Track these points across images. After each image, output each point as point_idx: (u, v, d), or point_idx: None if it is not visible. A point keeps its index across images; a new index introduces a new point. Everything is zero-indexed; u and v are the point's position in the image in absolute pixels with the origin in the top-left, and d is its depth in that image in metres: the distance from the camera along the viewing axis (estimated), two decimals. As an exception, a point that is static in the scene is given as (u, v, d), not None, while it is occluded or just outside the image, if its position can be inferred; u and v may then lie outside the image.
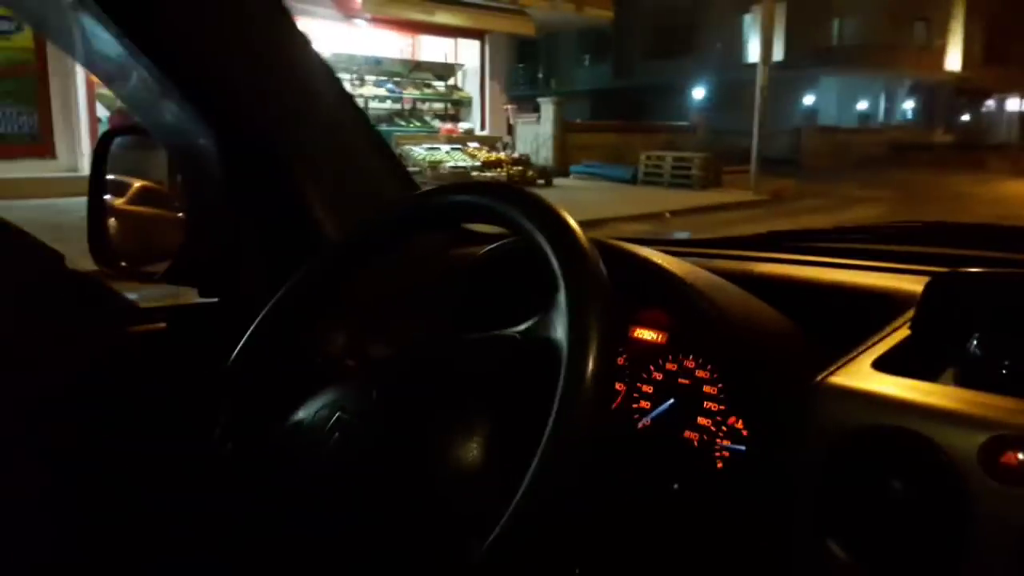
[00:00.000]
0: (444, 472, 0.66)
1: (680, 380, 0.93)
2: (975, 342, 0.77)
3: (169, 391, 1.05)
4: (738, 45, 33.11)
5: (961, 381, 0.75)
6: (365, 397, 0.74)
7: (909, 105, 33.67)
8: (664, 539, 0.88)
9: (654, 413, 0.94)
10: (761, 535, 0.77)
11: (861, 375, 0.74)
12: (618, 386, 0.97)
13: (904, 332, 0.84)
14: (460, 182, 0.84)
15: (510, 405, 0.69)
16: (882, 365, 0.76)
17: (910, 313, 0.85)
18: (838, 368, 0.76)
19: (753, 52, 24.14)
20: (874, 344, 0.81)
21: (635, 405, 0.96)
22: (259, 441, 0.77)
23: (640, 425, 0.95)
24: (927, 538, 0.66)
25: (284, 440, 0.76)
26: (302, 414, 0.76)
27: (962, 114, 41.57)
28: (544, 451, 0.58)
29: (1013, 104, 45.36)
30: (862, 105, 31.03)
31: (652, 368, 0.96)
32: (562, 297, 0.63)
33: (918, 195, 16.22)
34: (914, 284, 0.89)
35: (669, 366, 0.95)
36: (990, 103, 43.28)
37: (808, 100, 31.15)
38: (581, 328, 0.61)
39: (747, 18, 33.28)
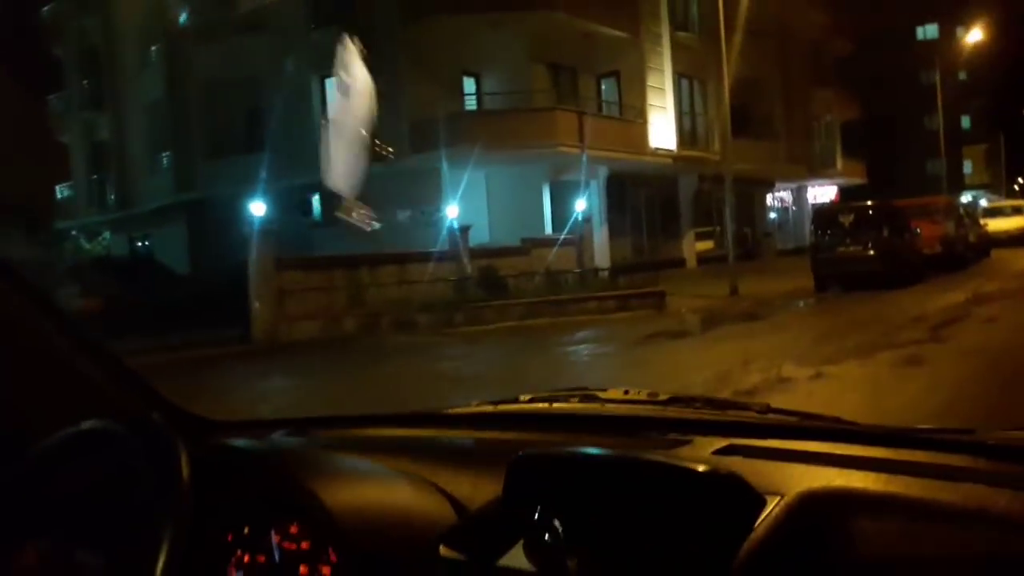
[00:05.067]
0: None
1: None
2: (536, 518, 0.91)
3: None
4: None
5: (527, 551, 0.90)
6: None
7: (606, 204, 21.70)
8: None
9: None
10: None
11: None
12: (303, 570, 1.04)
13: (497, 504, 0.99)
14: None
15: None
16: (457, 543, 0.94)
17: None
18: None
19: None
20: (464, 521, 1.00)
21: None
22: None
23: None
24: None
25: None
26: None
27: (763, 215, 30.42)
28: None
29: (826, 192, 34.49)
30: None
31: (331, 550, 1.02)
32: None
33: None
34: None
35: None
36: (783, 195, 32.27)
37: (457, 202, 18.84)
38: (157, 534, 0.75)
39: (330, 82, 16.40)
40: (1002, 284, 15.33)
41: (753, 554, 0.80)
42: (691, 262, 24.94)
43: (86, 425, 0.98)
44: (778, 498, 0.87)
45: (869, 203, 17.26)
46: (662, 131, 22.39)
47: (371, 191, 15.83)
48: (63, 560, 1.00)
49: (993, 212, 30.41)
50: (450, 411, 1.49)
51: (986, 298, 12.53)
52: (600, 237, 21.12)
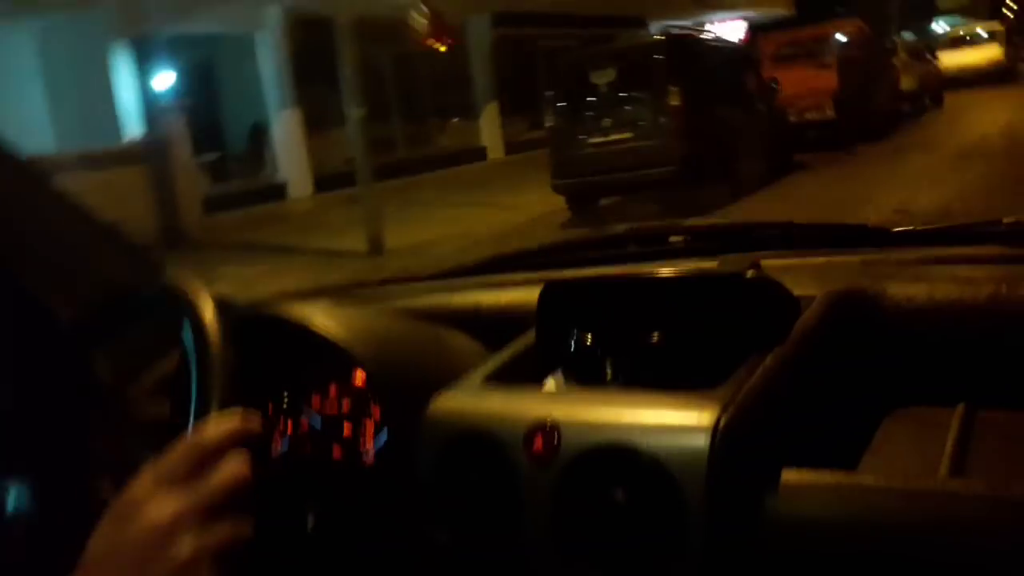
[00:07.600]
0: None
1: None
2: (572, 342, 0.92)
3: None
4: None
5: (565, 378, 0.92)
6: None
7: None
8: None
9: (376, 447, 0.99)
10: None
11: (469, 391, 0.91)
12: (346, 430, 1.02)
13: (531, 338, 0.98)
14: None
15: None
16: (495, 377, 0.92)
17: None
18: (453, 388, 0.92)
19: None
20: (497, 357, 0.98)
21: (362, 447, 1.02)
22: None
23: (366, 461, 1.01)
24: (494, 514, 0.81)
25: None
26: None
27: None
28: None
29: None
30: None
31: (374, 404, 1.03)
32: (192, 382, 0.75)
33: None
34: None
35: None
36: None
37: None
38: (201, 405, 0.72)
39: None
40: (918, 191, 7.32)
41: (796, 347, 0.83)
42: (496, 152, 16.58)
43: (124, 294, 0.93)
44: (812, 300, 0.91)
45: (657, 37, 8.67)
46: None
47: None
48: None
49: (955, 42, 21.69)
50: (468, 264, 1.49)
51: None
52: (283, 132, 12.68)
